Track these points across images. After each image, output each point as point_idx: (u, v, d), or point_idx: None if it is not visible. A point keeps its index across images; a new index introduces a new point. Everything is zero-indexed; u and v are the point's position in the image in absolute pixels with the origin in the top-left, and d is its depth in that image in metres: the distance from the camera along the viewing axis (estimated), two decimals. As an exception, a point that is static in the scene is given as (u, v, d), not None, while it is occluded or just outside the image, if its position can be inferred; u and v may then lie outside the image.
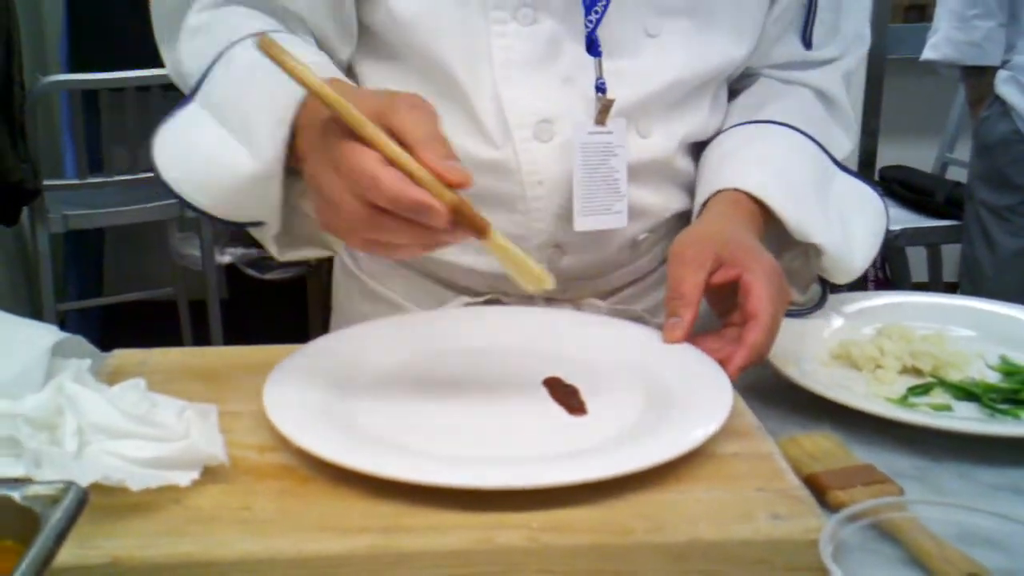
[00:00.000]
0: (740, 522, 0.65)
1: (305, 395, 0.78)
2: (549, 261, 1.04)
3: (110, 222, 2.99)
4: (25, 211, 2.74)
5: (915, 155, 3.26)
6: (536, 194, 1.00)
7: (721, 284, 0.89)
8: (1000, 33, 2.38)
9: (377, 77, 1.02)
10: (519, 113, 0.98)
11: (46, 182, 2.74)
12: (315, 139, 0.76)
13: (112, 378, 0.84)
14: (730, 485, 0.69)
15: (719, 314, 0.92)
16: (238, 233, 3.08)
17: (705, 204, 1.01)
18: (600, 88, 0.98)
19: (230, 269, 3.37)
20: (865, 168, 3.44)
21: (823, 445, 0.80)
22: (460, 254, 1.05)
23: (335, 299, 1.22)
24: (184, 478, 0.67)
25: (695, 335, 0.89)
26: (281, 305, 3.36)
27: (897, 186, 3.08)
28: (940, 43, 2.50)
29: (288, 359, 0.83)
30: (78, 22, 3.22)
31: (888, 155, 3.37)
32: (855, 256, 1.03)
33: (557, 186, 1.00)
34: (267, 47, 0.71)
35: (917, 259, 3.07)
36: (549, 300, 1.07)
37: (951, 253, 2.90)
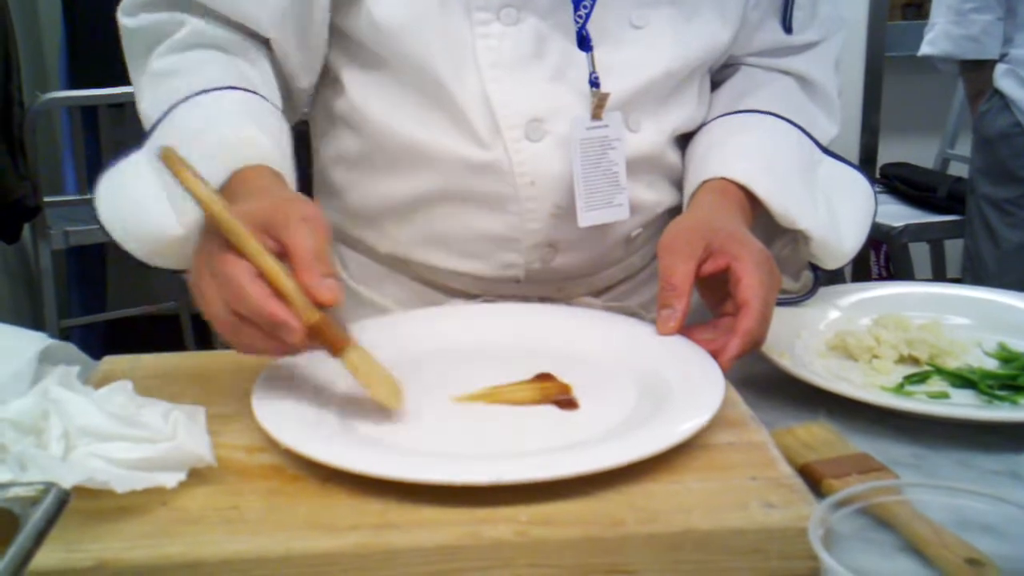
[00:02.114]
0: (733, 511, 0.64)
1: (293, 396, 0.77)
2: (542, 260, 1.03)
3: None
4: (27, 228, 2.75)
5: (916, 152, 3.25)
6: (529, 194, 0.99)
7: (711, 274, 0.89)
8: (997, 27, 2.38)
9: (362, 85, 1.02)
10: (509, 113, 0.97)
11: (47, 198, 2.74)
12: (202, 241, 0.79)
13: (102, 384, 0.84)
14: (723, 475, 0.69)
15: (711, 305, 0.92)
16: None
17: (693, 195, 1.00)
18: (594, 82, 0.98)
19: (232, 282, 3.37)
20: (866, 166, 3.43)
21: (818, 435, 0.79)
22: (455, 259, 1.05)
23: None
24: (171, 479, 0.66)
25: (689, 327, 0.88)
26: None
27: (899, 183, 3.07)
28: (937, 38, 2.49)
29: (276, 361, 0.83)
30: (76, 39, 3.22)
31: (889, 152, 3.36)
32: (844, 240, 1.03)
33: (550, 185, 0.99)
34: (167, 159, 0.77)
35: (920, 255, 3.06)
36: (543, 299, 1.06)
37: (954, 249, 2.89)
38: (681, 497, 0.66)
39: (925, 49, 2.54)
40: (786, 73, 1.12)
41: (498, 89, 0.96)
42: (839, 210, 1.04)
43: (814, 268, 1.05)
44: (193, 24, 0.97)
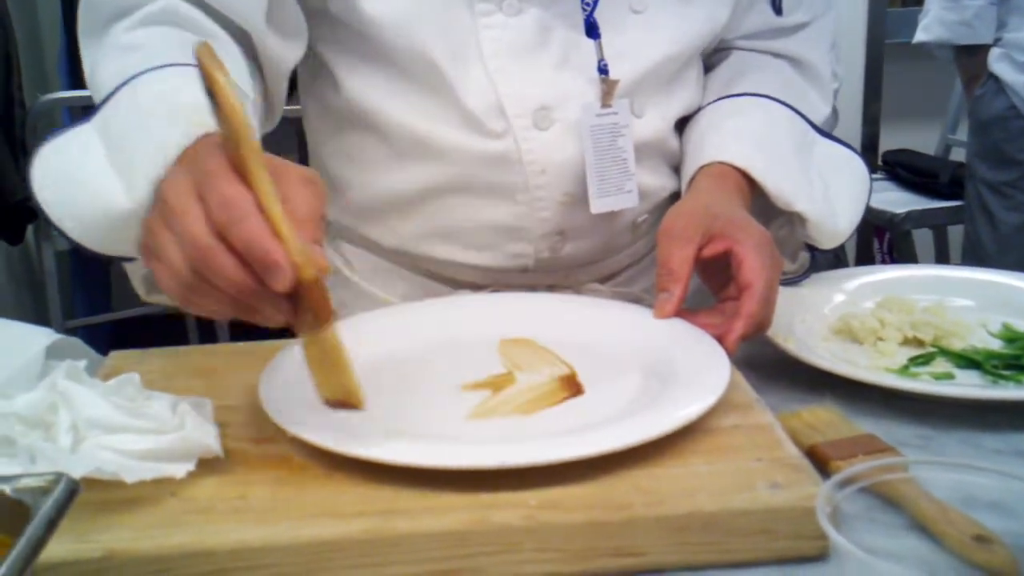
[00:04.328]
0: (739, 492, 0.64)
1: (299, 386, 0.77)
2: (552, 249, 1.03)
3: (115, 237, 2.98)
4: (30, 229, 2.75)
5: (918, 138, 3.25)
6: (539, 183, 0.99)
7: (712, 257, 0.89)
8: (991, 11, 2.39)
9: (361, 79, 1.01)
10: (516, 102, 0.97)
11: (49, 199, 2.73)
12: (187, 164, 0.70)
13: (110, 378, 0.84)
14: (729, 457, 0.69)
15: (714, 290, 0.92)
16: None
17: (692, 180, 1.01)
18: (603, 70, 0.98)
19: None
20: (868, 153, 3.43)
21: (824, 417, 0.79)
22: (463, 251, 1.04)
23: None
24: (179, 470, 0.66)
25: (693, 311, 0.89)
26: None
27: (901, 169, 3.07)
28: (931, 24, 2.50)
29: (283, 352, 0.83)
30: (77, 40, 3.22)
31: (890, 139, 3.36)
32: (839, 221, 1.03)
33: (560, 173, 0.99)
34: (202, 54, 0.66)
35: (923, 242, 3.06)
36: (551, 287, 1.06)
37: (957, 235, 2.89)
38: (687, 480, 0.66)
39: (920, 36, 2.54)
40: (778, 55, 1.13)
41: (504, 79, 0.96)
42: (834, 190, 1.04)
43: (811, 248, 1.06)
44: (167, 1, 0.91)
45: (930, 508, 0.64)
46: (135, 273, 0.87)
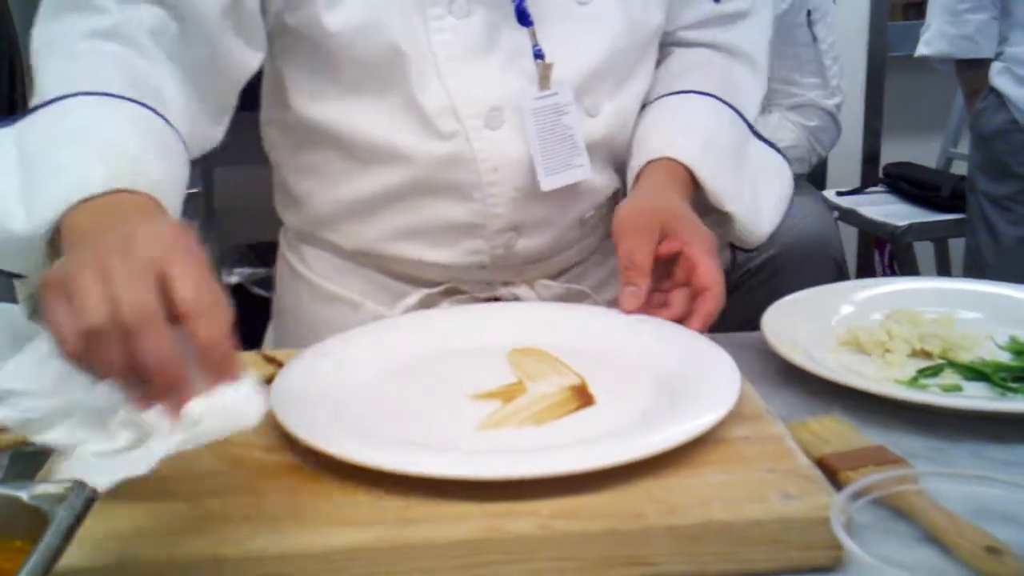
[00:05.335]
0: (752, 503, 0.65)
1: (311, 394, 0.77)
2: (506, 245, 1.06)
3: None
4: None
5: (919, 151, 3.25)
6: (491, 179, 1.02)
7: (664, 256, 0.93)
8: (992, 26, 2.40)
9: (314, 93, 1.02)
10: (470, 103, 0.99)
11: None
12: (127, 219, 0.68)
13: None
14: (741, 468, 0.69)
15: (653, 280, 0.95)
16: (245, 253, 3.08)
17: (641, 174, 1.04)
18: (538, 54, 1.01)
19: (238, 288, 3.37)
20: (869, 166, 3.44)
21: (832, 427, 0.79)
22: (423, 249, 1.06)
23: (280, 303, 1.20)
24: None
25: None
26: (289, 323, 3.35)
27: (902, 182, 3.07)
28: (933, 38, 2.51)
29: (294, 360, 0.83)
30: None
31: (892, 152, 3.37)
32: (763, 222, 1.08)
33: (512, 168, 1.02)
34: None
35: (925, 254, 3.06)
36: (506, 283, 1.09)
37: (959, 248, 2.89)
38: (700, 490, 0.66)
39: (921, 49, 2.55)
40: (720, 49, 1.16)
41: (456, 82, 0.99)
42: (760, 193, 1.09)
43: (732, 248, 1.11)
44: (126, 11, 0.88)
45: (941, 519, 0.64)
46: (20, 291, 0.84)
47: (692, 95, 1.10)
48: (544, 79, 1.01)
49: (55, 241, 0.74)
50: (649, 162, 1.03)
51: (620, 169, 1.12)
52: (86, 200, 0.72)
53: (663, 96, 1.11)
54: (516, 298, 1.08)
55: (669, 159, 1.03)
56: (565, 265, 1.14)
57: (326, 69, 1.00)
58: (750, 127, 1.13)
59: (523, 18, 1.00)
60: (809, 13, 2.13)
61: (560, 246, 1.11)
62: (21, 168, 0.78)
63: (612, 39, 1.04)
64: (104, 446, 0.61)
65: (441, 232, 1.05)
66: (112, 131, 0.79)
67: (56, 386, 0.62)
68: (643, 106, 1.11)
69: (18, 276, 0.82)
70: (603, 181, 1.10)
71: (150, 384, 0.59)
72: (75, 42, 0.87)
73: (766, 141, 1.16)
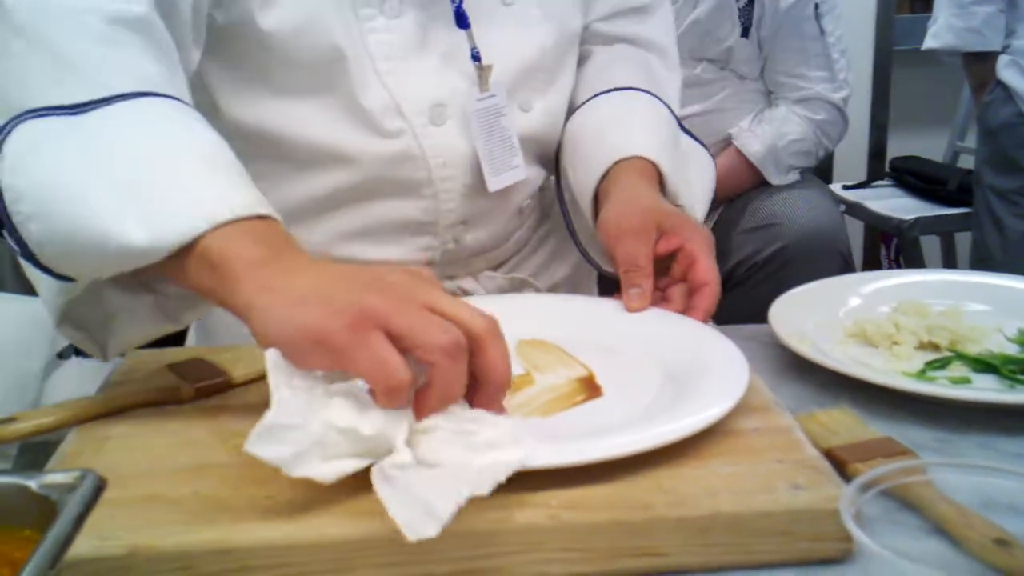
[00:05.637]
0: (760, 494, 0.65)
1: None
2: (456, 239, 1.08)
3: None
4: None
5: (926, 145, 3.25)
6: (442, 175, 1.03)
7: (664, 254, 0.94)
8: (999, 19, 2.39)
9: (247, 100, 0.99)
10: (411, 102, 1.00)
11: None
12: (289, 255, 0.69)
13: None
14: (749, 459, 0.69)
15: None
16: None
17: (610, 174, 1.04)
18: (475, 56, 1.02)
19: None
20: (876, 159, 3.43)
21: (840, 419, 0.79)
22: (374, 248, 1.06)
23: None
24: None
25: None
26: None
27: (909, 176, 3.06)
28: (940, 31, 2.50)
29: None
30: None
31: (898, 146, 3.36)
32: (696, 212, 1.09)
33: (460, 163, 1.03)
34: None
35: (931, 248, 3.05)
36: (451, 277, 1.11)
37: (965, 242, 2.89)
38: (708, 481, 0.66)
39: (929, 42, 2.54)
40: (632, 40, 1.19)
41: (395, 80, 0.99)
42: (693, 184, 1.11)
43: None
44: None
45: (950, 511, 0.64)
46: (51, 296, 0.79)
47: (632, 92, 1.12)
48: (484, 81, 1.03)
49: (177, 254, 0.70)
50: (618, 162, 1.04)
51: (546, 163, 1.16)
52: (226, 223, 0.69)
53: (603, 92, 1.13)
54: (463, 291, 1.10)
55: (639, 158, 1.04)
56: (506, 256, 1.18)
57: (259, 70, 0.98)
58: (678, 121, 1.16)
59: (461, 20, 1.01)
60: (817, 6, 2.12)
61: (502, 237, 1.15)
62: (115, 173, 0.71)
63: (540, 38, 1.07)
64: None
65: (390, 231, 1.06)
66: (227, 150, 0.76)
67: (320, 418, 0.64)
68: (579, 105, 1.13)
69: (68, 279, 0.76)
70: (533, 173, 1.13)
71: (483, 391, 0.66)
72: (99, 24, 0.78)
73: (689, 133, 1.18)
